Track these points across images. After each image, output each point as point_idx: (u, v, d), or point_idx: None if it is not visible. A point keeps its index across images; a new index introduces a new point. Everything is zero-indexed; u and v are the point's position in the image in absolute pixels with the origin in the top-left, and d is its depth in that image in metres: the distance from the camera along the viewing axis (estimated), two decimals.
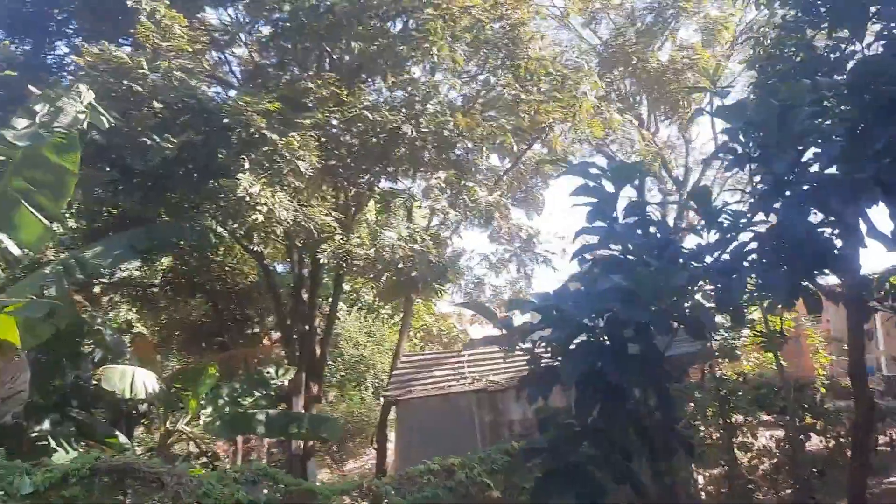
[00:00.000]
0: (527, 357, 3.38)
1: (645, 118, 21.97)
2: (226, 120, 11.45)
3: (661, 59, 18.79)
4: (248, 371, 15.57)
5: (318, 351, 16.71)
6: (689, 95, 18.75)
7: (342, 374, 26.12)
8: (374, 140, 12.90)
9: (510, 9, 13.16)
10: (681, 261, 2.90)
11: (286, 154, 11.13)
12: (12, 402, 10.10)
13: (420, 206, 16.26)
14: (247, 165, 11.21)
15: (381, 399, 18.37)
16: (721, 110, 3.04)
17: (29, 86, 11.25)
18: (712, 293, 2.94)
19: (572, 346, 3.03)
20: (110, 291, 19.38)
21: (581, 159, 23.23)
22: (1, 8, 17.05)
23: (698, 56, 17.96)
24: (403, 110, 13.11)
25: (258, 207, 10.79)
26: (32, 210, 9.84)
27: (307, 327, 16.37)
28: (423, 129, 12.92)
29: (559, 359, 3.11)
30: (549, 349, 3.23)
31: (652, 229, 3.04)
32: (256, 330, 20.42)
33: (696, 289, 3.02)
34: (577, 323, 3.01)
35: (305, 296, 16.47)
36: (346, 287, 19.87)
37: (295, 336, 16.57)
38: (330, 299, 17.90)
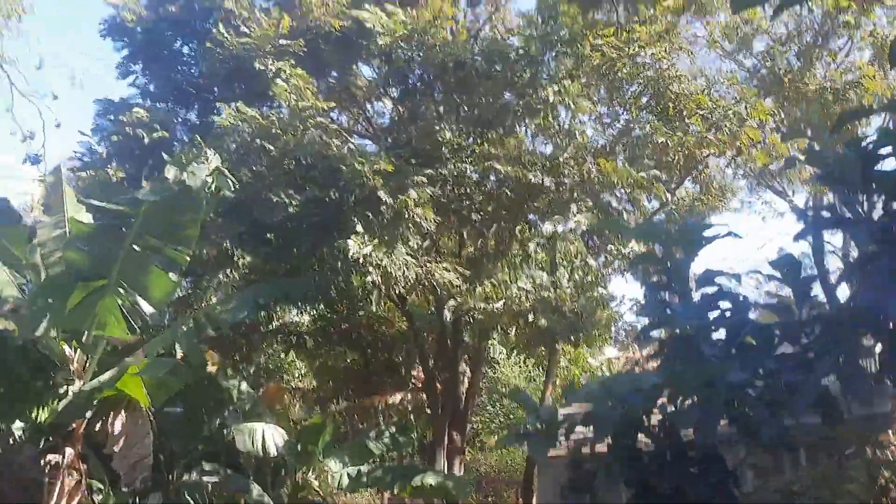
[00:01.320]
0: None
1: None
2: (342, 182, 11.36)
3: (820, 80, 16.44)
4: (386, 420, 15.34)
5: (462, 399, 16.21)
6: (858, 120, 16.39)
7: (498, 420, 25.39)
8: (510, 193, 12.38)
9: (645, 45, 12.24)
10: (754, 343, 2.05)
11: (404, 213, 10.82)
12: (141, 468, 10.29)
13: (560, 254, 15.38)
14: (359, 228, 10.99)
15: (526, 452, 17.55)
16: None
17: (163, 154, 11.75)
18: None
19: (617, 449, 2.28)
20: (264, 338, 20.03)
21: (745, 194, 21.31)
22: (161, 77, 18.33)
23: (864, 75, 15.64)
24: (542, 161, 12.49)
25: (369, 269, 10.51)
26: (159, 266, 10.08)
27: (450, 375, 15.93)
28: (564, 180, 12.22)
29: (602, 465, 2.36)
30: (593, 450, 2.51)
31: (725, 304, 2.20)
32: (401, 376, 20.35)
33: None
34: (625, 419, 2.22)
35: (450, 344, 16.10)
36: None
37: (439, 384, 16.19)
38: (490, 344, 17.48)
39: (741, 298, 2.38)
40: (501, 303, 12.19)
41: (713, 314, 2.40)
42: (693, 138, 12.37)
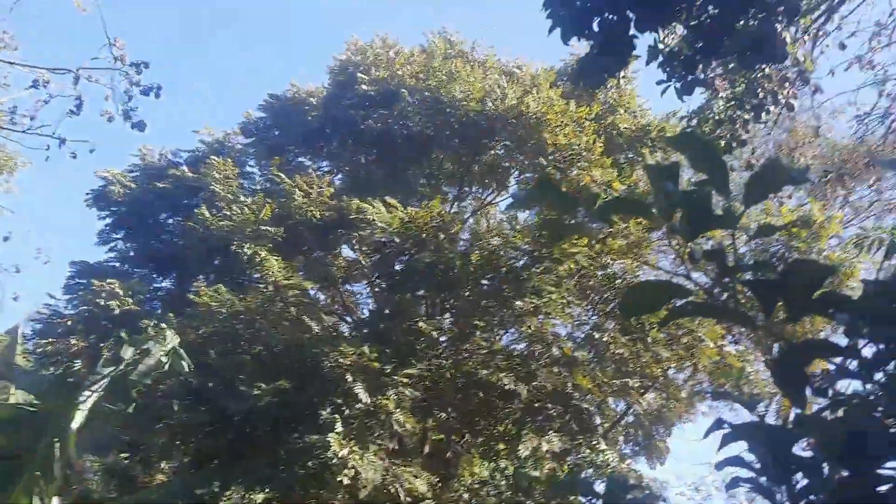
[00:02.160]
0: None
1: None
2: (317, 373, 11.24)
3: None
4: None
5: None
6: None
7: None
8: (482, 397, 12.33)
9: (615, 258, 12.81)
10: None
11: (381, 415, 10.66)
12: None
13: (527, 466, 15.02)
14: (339, 427, 10.75)
15: None
16: None
17: (132, 325, 11.65)
18: None
19: None
20: None
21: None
22: (141, 246, 18.57)
23: None
24: (517, 367, 12.57)
25: (345, 470, 10.16)
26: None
27: None
28: (537, 386, 12.27)
29: None
30: None
31: None
32: None
33: None
34: None
35: None
36: None
37: None
38: None
39: None
40: None
41: None
42: (650, 354, 12.69)
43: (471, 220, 17.55)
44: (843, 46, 10.19)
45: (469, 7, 45.91)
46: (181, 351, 10.67)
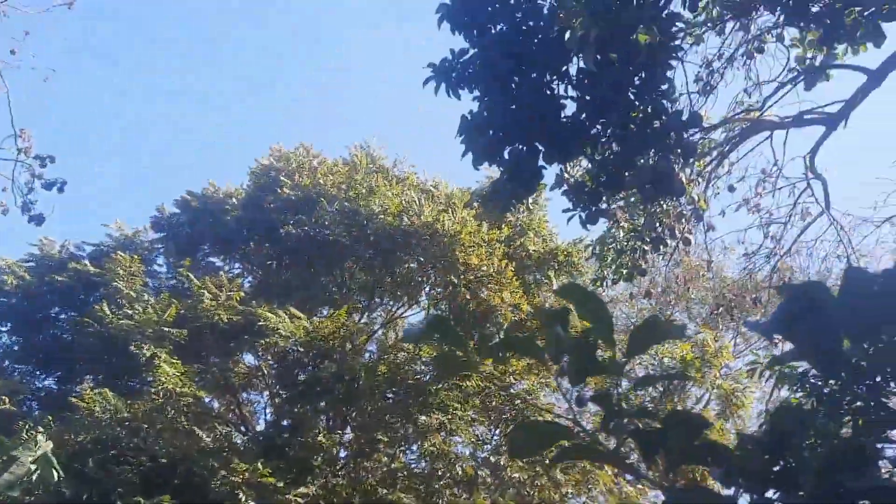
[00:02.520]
0: None
1: None
2: (206, 487, 10.60)
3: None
4: None
5: None
6: None
7: None
8: None
9: (519, 377, 12.92)
10: None
11: None
12: None
13: None
14: None
15: None
16: None
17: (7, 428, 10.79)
18: None
19: None
20: None
21: None
22: (28, 340, 17.60)
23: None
24: (418, 487, 12.23)
25: None
26: None
27: None
28: None
29: None
30: None
31: None
32: None
33: None
34: None
35: None
36: None
37: None
38: None
39: None
40: None
41: None
42: (547, 478, 12.66)
43: (380, 332, 17.45)
44: (732, 189, 10.95)
45: (393, 126, 47.46)
46: (52, 459, 9.88)
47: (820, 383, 6.52)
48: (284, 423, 13.93)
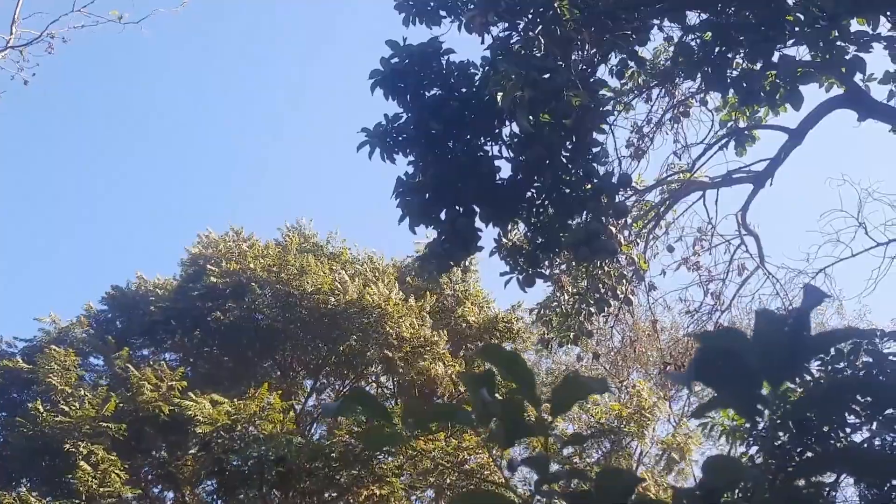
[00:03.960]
0: None
1: None
2: None
3: None
4: None
5: None
6: None
7: None
8: None
9: (471, 453, 12.69)
10: None
11: None
12: None
13: None
14: None
15: None
16: None
17: None
18: None
19: None
20: None
21: None
22: None
23: None
24: None
25: None
26: None
27: None
28: None
29: None
30: None
31: None
32: None
33: None
34: None
35: None
36: None
37: None
38: None
39: None
40: None
41: None
42: None
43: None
44: (671, 249, 11.18)
45: (331, 199, 47.35)
46: None
47: (765, 435, 6.56)
48: None
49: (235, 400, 13.00)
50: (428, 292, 15.92)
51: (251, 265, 16.55)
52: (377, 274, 16.79)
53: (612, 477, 1.43)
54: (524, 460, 1.60)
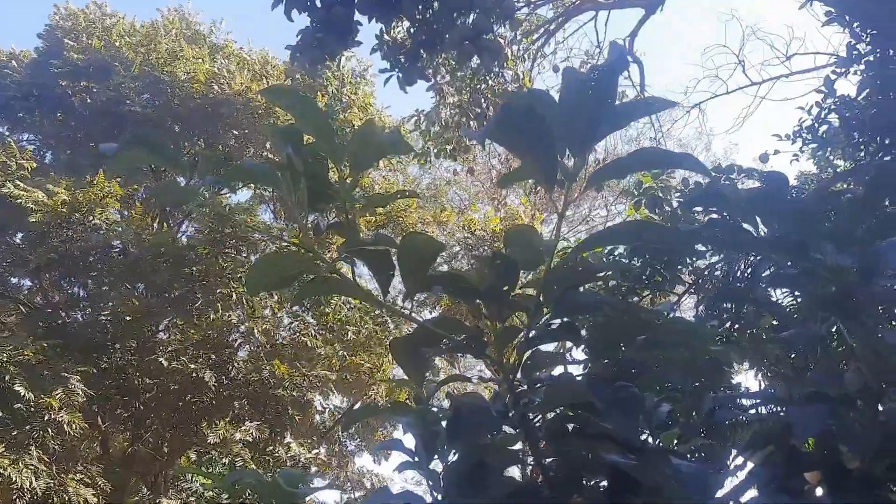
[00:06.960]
0: None
1: None
2: None
3: None
4: None
5: None
6: None
7: None
8: (174, 387, 11.75)
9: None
10: None
11: (45, 414, 9.59)
12: None
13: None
14: None
15: None
16: None
17: None
18: None
19: None
20: None
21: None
22: None
23: None
24: (212, 356, 12.10)
25: None
26: None
27: None
28: (231, 378, 11.96)
29: None
30: None
31: None
32: None
33: None
34: None
35: None
36: None
37: None
38: None
39: None
40: None
41: None
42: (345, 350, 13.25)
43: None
44: (556, 69, 11.10)
45: None
46: None
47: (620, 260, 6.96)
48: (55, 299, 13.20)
49: (74, 189, 12.17)
50: (319, 93, 15.19)
51: (116, 43, 15.10)
52: (268, 69, 15.83)
53: (415, 243, 1.38)
54: (331, 225, 1.52)
